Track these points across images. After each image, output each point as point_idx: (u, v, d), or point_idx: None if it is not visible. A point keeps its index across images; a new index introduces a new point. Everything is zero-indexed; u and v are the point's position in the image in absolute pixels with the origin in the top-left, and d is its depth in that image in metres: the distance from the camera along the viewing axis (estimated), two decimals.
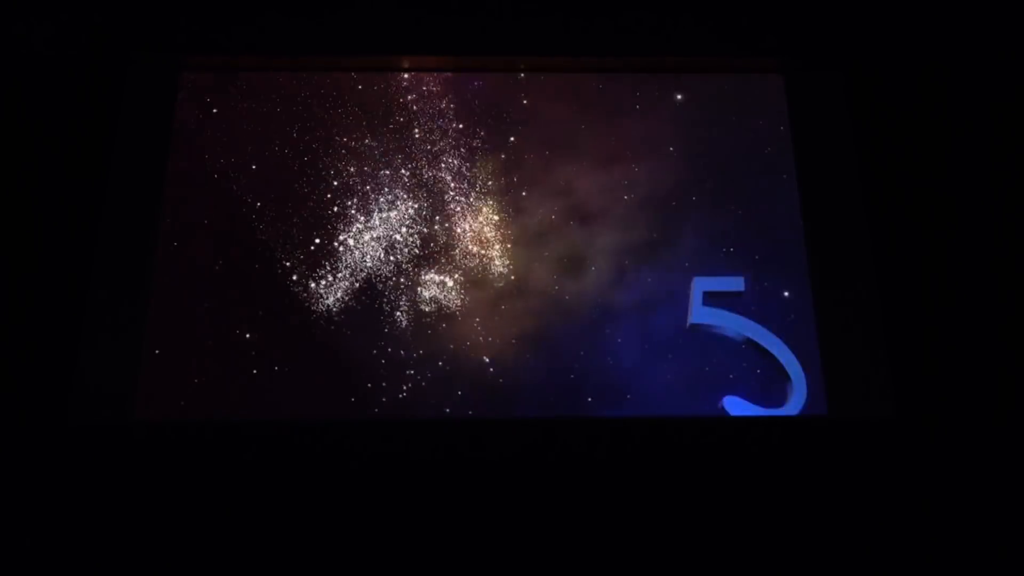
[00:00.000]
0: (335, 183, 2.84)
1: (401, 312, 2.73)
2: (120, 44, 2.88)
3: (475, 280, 2.78)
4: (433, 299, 2.76)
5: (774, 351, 2.70)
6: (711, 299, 2.76)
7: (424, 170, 2.87)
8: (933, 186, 2.83)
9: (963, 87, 2.92)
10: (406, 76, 2.97)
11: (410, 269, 2.78)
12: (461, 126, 2.90)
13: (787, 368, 2.69)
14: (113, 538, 2.44)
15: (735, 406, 2.66)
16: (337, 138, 2.87)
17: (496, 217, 2.84)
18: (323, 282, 2.74)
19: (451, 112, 2.92)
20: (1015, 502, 2.53)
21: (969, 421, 2.62)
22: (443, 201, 2.86)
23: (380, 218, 2.82)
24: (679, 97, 2.98)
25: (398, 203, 2.84)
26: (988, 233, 2.78)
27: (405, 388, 2.66)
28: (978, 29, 2.93)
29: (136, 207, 2.77)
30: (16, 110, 2.80)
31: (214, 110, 2.90)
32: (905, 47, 2.96)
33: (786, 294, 2.79)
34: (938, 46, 2.95)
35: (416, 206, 2.85)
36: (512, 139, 2.91)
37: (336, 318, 2.71)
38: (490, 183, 2.86)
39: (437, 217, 2.85)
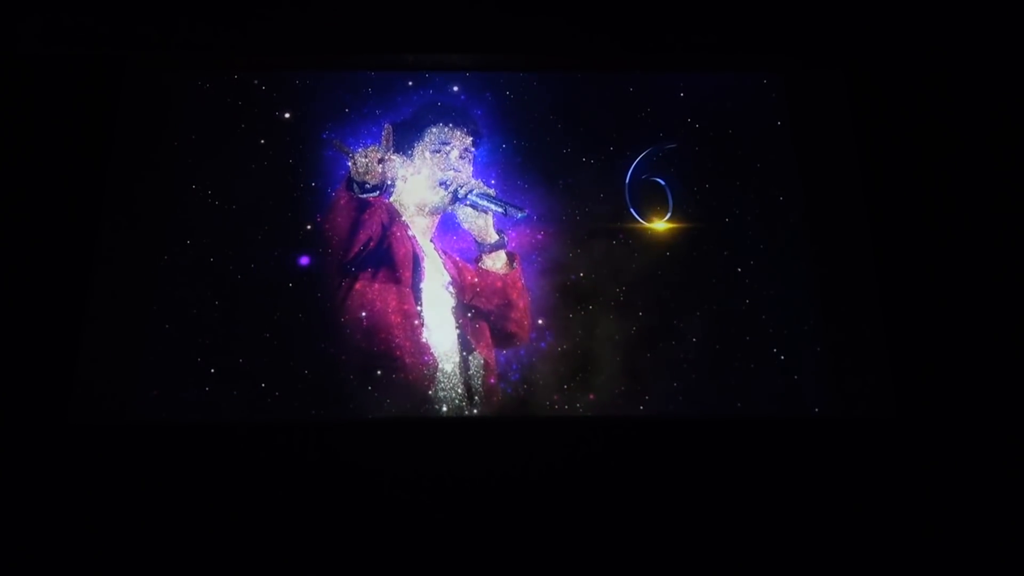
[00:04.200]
0: (335, 182, 2.84)
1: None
2: (117, 46, 2.88)
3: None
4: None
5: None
6: None
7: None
8: (934, 185, 2.83)
9: (963, 84, 2.91)
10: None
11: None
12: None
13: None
14: (112, 536, 2.45)
15: None
16: (336, 139, 2.87)
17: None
18: (323, 282, 2.73)
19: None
20: (1015, 502, 2.52)
21: (970, 421, 2.62)
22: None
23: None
24: (680, 95, 2.97)
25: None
26: (989, 232, 2.77)
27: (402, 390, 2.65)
28: (978, 26, 2.92)
29: (135, 207, 2.77)
30: (16, 111, 2.81)
31: (213, 110, 2.89)
32: (905, 45, 2.96)
33: (787, 293, 2.78)
34: (938, 44, 2.94)
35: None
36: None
37: (337, 319, 2.69)
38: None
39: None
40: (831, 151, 2.91)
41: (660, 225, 2.85)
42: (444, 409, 2.63)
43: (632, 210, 2.85)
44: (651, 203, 2.86)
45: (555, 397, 2.65)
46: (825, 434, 2.64)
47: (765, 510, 2.54)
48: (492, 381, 2.66)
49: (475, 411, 2.64)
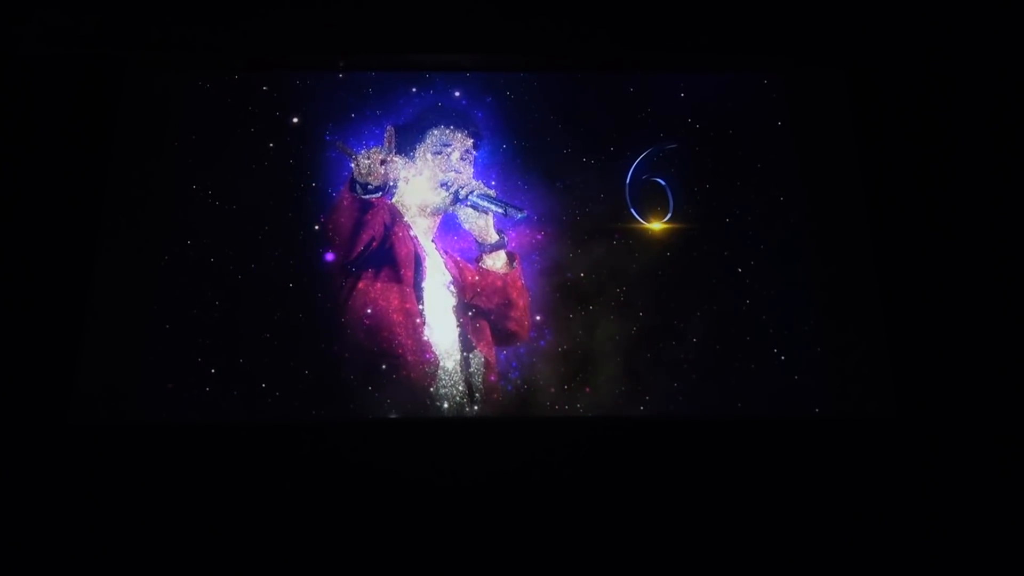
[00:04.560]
0: (335, 182, 2.84)
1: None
2: (117, 46, 2.88)
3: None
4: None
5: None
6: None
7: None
8: (935, 185, 2.82)
9: (964, 84, 2.91)
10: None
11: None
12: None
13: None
14: (112, 536, 2.45)
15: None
16: (339, 141, 2.86)
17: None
18: (324, 282, 2.73)
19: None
20: (1016, 502, 2.52)
21: (970, 421, 2.62)
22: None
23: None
24: (681, 95, 2.97)
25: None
26: (990, 232, 2.77)
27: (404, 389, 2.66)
28: (978, 27, 2.92)
29: (136, 207, 2.77)
30: (17, 111, 2.81)
31: (214, 110, 2.89)
32: (905, 45, 2.96)
33: (787, 293, 2.78)
34: (938, 44, 2.94)
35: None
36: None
37: (338, 318, 2.70)
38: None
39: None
40: (831, 151, 2.91)
41: (660, 225, 2.85)
42: (445, 406, 2.64)
43: (632, 210, 2.86)
44: (652, 203, 2.87)
45: (555, 396, 2.66)
46: (826, 434, 2.64)
47: (766, 511, 2.54)
48: (492, 379, 2.68)
49: (475, 408, 2.65)
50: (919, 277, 2.75)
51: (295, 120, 2.86)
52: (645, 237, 2.84)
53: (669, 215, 2.86)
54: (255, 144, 2.84)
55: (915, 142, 2.86)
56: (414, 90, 2.90)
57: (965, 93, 2.90)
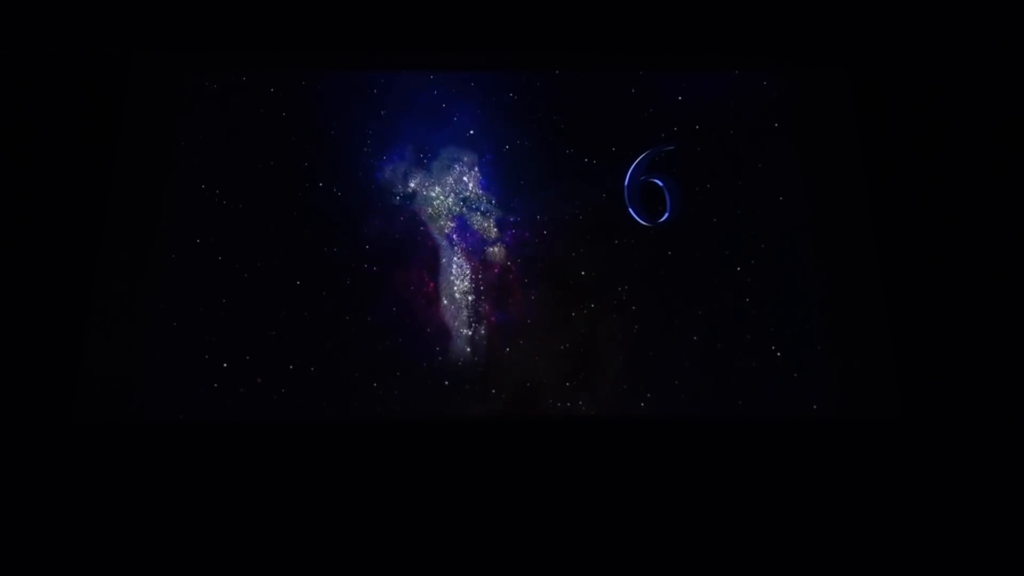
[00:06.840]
0: (340, 182, 2.87)
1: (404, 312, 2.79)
2: (123, 44, 2.91)
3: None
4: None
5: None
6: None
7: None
8: (938, 185, 2.82)
9: (966, 84, 2.90)
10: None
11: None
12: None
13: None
14: (117, 533, 2.47)
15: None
16: (341, 138, 2.91)
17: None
18: (328, 280, 2.77)
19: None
20: (1018, 501, 2.52)
21: (974, 420, 2.61)
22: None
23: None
24: (682, 95, 2.99)
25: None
26: (992, 231, 2.76)
27: (407, 387, 2.71)
28: (980, 26, 2.92)
29: (140, 206, 2.80)
30: (21, 110, 2.84)
31: (221, 109, 2.92)
32: (907, 44, 2.95)
33: (788, 292, 2.80)
34: (940, 43, 2.94)
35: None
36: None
37: (338, 318, 2.74)
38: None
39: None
40: (832, 150, 2.91)
41: (661, 224, 2.87)
42: (454, 383, 2.73)
43: (632, 210, 2.88)
44: (653, 203, 2.89)
45: (557, 394, 2.69)
46: (828, 433, 2.64)
47: (767, 510, 2.54)
48: (496, 359, 2.77)
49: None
50: (922, 275, 2.75)
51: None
52: (647, 236, 2.85)
53: (669, 214, 2.88)
54: (262, 143, 2.88)
55: (917, 141, 2.86)
56: (432, 115, 2.97)
57: (967, 92, 2.89)
